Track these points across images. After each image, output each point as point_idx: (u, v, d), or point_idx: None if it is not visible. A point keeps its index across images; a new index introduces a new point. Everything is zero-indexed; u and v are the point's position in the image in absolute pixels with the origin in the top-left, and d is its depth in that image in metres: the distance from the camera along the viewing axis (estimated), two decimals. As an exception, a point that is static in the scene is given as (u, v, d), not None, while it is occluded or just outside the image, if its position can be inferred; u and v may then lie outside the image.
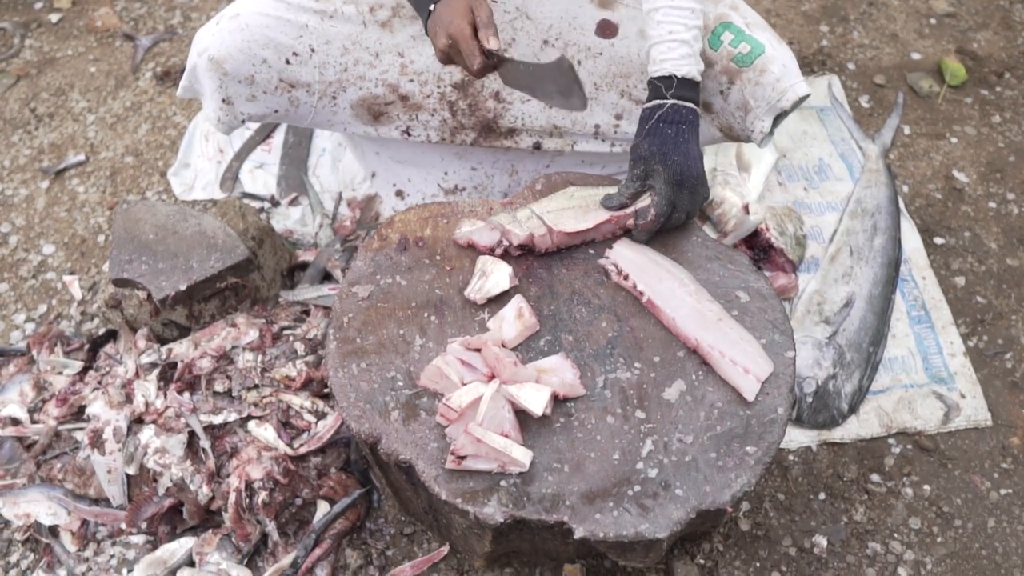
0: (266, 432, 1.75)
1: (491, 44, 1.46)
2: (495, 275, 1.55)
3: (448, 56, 1.52)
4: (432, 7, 1.53)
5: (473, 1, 1.50)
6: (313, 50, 1.74)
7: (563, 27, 1.75)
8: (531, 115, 1.82)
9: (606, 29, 1.75)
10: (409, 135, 1.87)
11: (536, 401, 1.37)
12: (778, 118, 1.65)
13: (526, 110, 1.81)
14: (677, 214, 1.57)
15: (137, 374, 1.86)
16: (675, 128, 1.52)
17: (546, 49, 1.76)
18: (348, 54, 1.76)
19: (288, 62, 1.74)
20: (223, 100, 1.78)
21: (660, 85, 1.54)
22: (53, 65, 2.80)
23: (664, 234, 1.63)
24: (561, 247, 1.61)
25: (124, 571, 1.72)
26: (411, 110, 1.82)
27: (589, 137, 1.84)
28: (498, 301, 1.55)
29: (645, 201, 1.57)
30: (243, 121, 1.83)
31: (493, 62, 1.49)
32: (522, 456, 1.35)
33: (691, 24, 1.55)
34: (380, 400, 1.44)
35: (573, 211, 1.61)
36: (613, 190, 1.61)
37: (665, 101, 1.53)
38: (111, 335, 1.99)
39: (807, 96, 1.62)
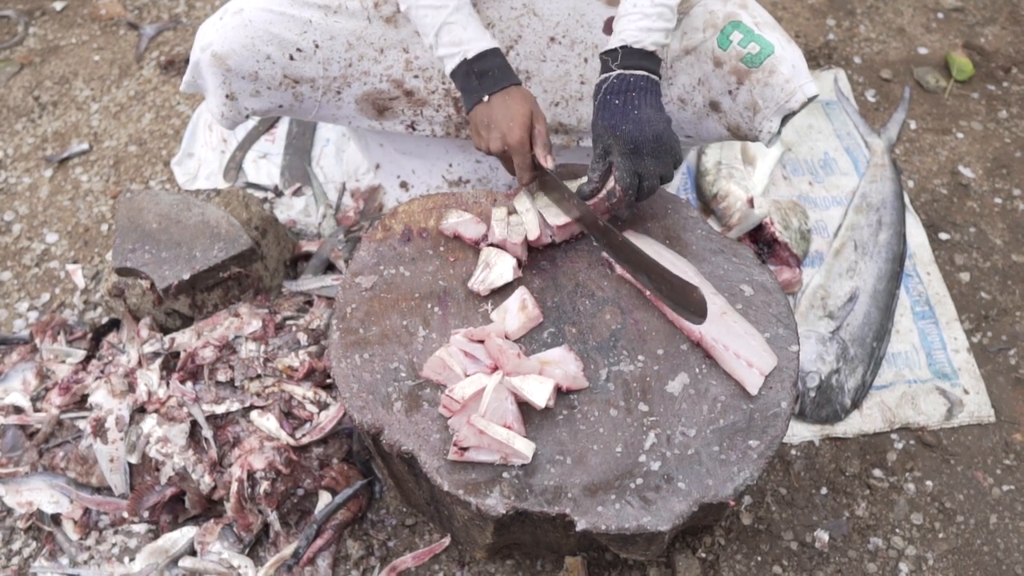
0: (268, 422, 1.75)
1: (548, 164, 1.53)
2: (499, 266, 1.55)
3: (491, 151, 1.55)
4: (486, 98, 1.52)
5: (535, 111, 1.53)
6: (317, 46, 1.73)
7: (570, 24, 1.74)
8: None
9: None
10: (414, 129, 1.86)
11: (539, 393, 1.37)
12: (786, 118, 1.64)
13: None
14: (648, 181, 1.50)
15: (140, 363, 1.86)
16: (622, 97, 1.48)
17: (553, 46, 1.75)
18: (352, 50, 1.75)
19: (292, 58, 1.74)
20: (227, 96, 1.77)
21: (607, 59, 1.51)
22: (57, 53, 2.80)
23: (668, 227, 1.63)
24: (556, 240, 1.61)
25: (126, 560, 1.73)
26: (416, 105, 1.82)
27: None
28: (502, 292, 1.55)
29: (612, 183, 1.55)
30: (247, 116, 1.83)
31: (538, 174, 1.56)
32: (524, 448, 1.35)
33: (657, 0, 1.50)
34: (383, 391, 1.44)
35: (562, 205, 1.60)
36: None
37: (610, 73, 1.50)
38: (114, 324, 1.99)
39: (816, 96, 1.61)
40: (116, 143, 2.53)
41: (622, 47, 1.49)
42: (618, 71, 1.49)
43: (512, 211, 1.62)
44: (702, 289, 1.40)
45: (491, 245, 1.59)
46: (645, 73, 1.49)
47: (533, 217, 1.58)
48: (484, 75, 1.53)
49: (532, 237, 1.56)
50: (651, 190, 1.52)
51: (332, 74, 1.77)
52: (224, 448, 1.75)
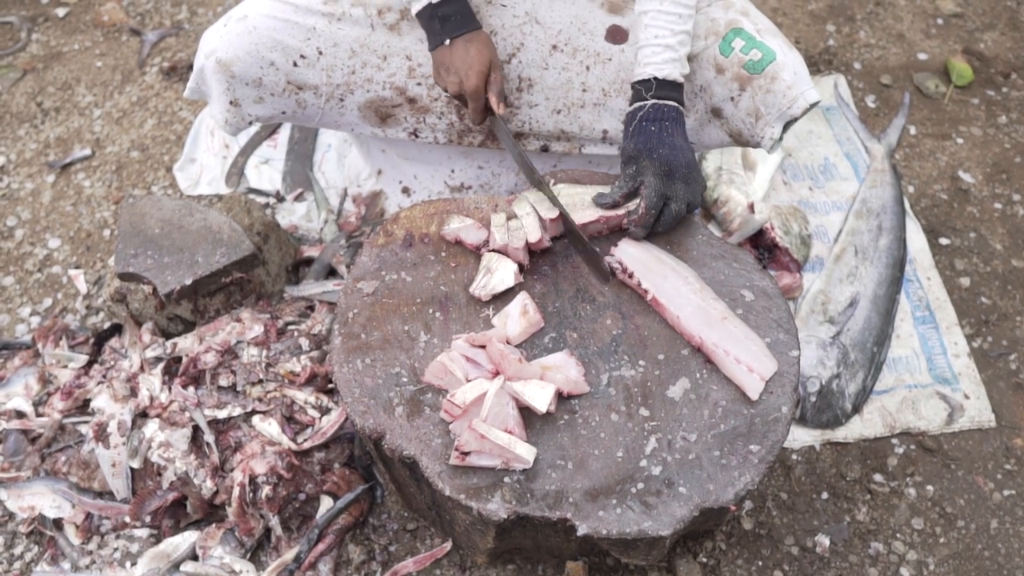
0: (270, 427, 1.75)
1: (500, 111, 1.63)
2: (500, 271, 1.55)
3: (447, 92, 1.65)
4: (447, 41, 1.61)
5: (493, 59, 1.62)
6: (321, 53, 1.74)
7: (572, 32, 1.74)
8: (539, 120, 1.81)
9: (616, 35, 1.75)
10: (417, 137, 1.87)
11: (540, 398, 1.38)
12: (788, 124, 1.65)
13: (534, 115, 1.81)
14: (675, 205, 1.57)
15: (142, 368, 1.86)
16: (658, 125, 1.56)
17: (555, 54, 1.75)
18: (356, 57, 1.76)
19: (296, 65, 1.74)
20: (230, 102, 1.78)
21: (640, 88, 1.59)
22: (59, 59, 2.81)
23: (669, 232, 1.63)
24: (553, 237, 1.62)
25: (128, 564, 1.73)
26: (419, 112, 1.82)
27: (597, 141, 1.84)
28: (503, 298, 1.55)
29: (637, 200, 1.59)
30: (250, 123, 1.83)
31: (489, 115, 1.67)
32: (526, 453, 1.35)
33: (677, 29, 1.59)
34: (384, 396, 1.44)
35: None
36: (607, 189, 1.62)
37: (645, 102, 1.58)
38: (116, 329, 2.00)
39: (817, 103, 1.62)
40: (118, 149, 2.54)
41: (655, 79, 1.58)
42: (652, 100, 1.57)
43: (511, 216, 1.62)
44: (702, 294, 1.40)
45: (492, 251, 1.60)
46: (676, 104, 1.58)
47: (533, 220, 1.59)
48: (447, 19, 1.61)
49: (533, 240, 1.57)
50: (677, 215, 1.58)
51: (335, 81, 1.78)
52: (226, 453, 1.75)
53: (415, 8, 1.63)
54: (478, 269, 1.59)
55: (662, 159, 1.55)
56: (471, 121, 1.68)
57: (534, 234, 1.58)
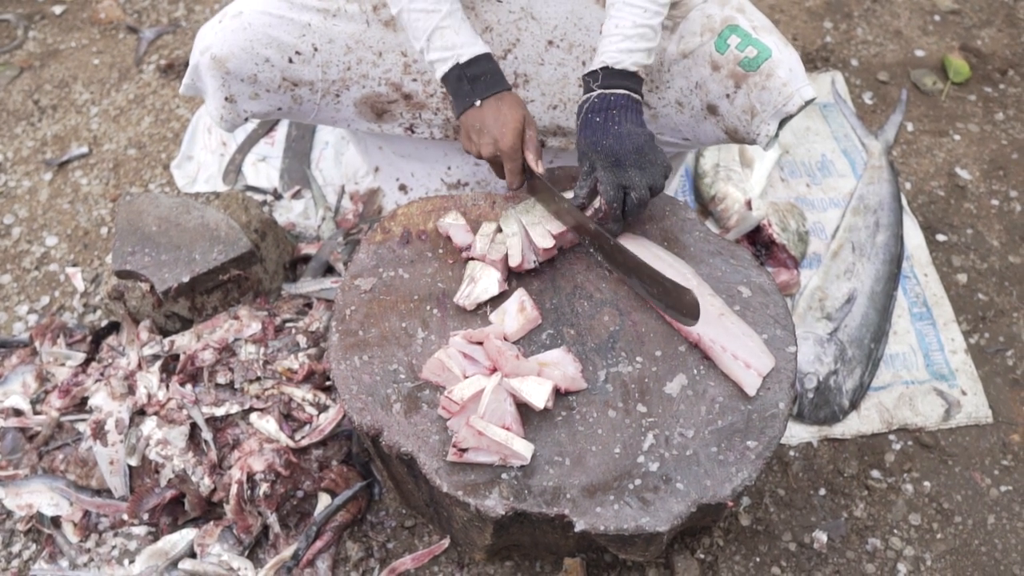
0: (268, 424, 1.75)
1: (539, 169, 1.55)
2: (484, 280, 1.54)
3: (482, 156, 1.57)
4: (478, 103, 1.54)
5: (527, 116, 1.55)
6: (316, 49, 1.74)
7: (568, 28, 1.74)
8: (535, 115, 1.81)
9: None
10: (413, 132, 1.87)
11: (538, 394, 1.38)
12: (783, 121, 1.65)
13: (530, 111, 1.81)
14: (635, 193, 1.51)
15: (139, 366, 1.86)
16: (603, 115, 1.51)
17: (551, 50, 1.75)
18: (351, 53, 1.76)
19: (291, 61, 1.74)
20: (226, 98, 1.78)
21: (588, 80, 1.55)
22: (56, 57, 2.81)
23: (666, 228, 1.63)
24: (540, 263, 1.60)
25: (126, 562, 1.73)
26: (414, 108, 1.82)
27: None
28: (499, 295, 1.55)
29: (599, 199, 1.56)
30: (246, 119, 1.83)
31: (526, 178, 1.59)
32: (523, 449, 1.35)
33: (639, 22, 1.53)
34: (382, 393, 1.44)
35: (553, 208, 1.59)
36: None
37: (591, 93, 1.53)
38: (114, 327, 1.99)
39: (813, 100, 1.62)
40: (116, 146, 2.54)
41: (603, 68, 1.52)
42: (599, 91, 1.52)
43: (500, 229, 1.61)
44: (699, 290, 1.40)
45: (472, 259, 1.59)
46: (626, 92, 1.52)
47: (517, 243, 1.56)
48: (476, 80, 1.54)
49: (514, 264, 1.55)
50: (641, 202, 1.53)
51: (331, 77, 1.78)
52: (224, 450, 1.75)
53: (440, 71, 1.55)
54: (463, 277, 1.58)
55: (607, 150, 1.50)
56: (508, 186, 1.59)
57: (515, 258, 1.55)
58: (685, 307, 1.42)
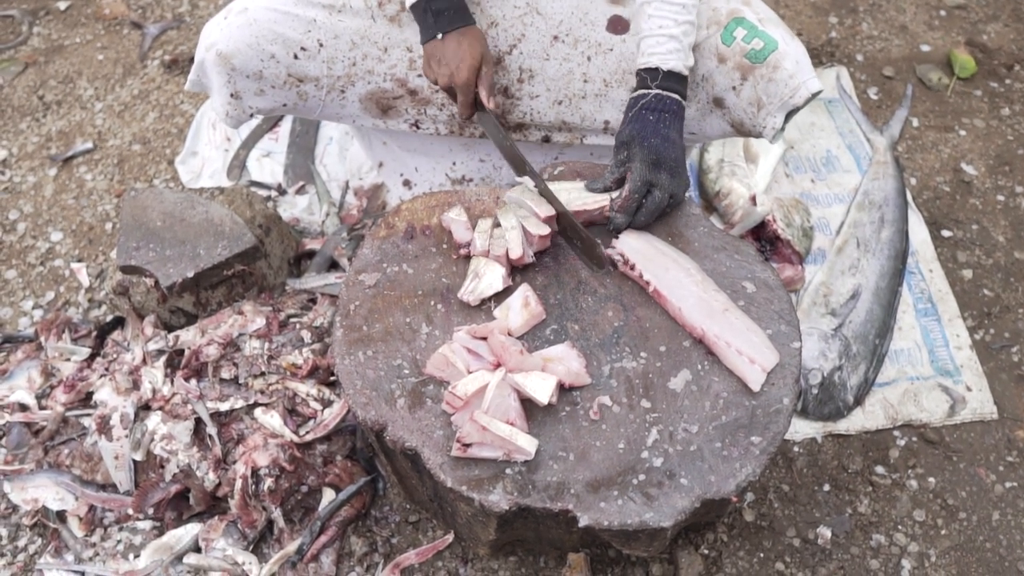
0: (272, 419, 1.76)
1: (490, 105, 1.63)
2: (488, 276, 1.54)
3: (438, 84, 1.65)
4: (440, 35, 1.61)
5: (485, 53, 1.62)
6: (321, 45, 1.74)
7: (573, 23, 1.74)
8: (540, 111, 1.81)
9: (617, 25, 1.74)
10: (418, 128, 1.87)
11: (542, 390, 1.38)
12: (790, 114, 1.64)
13: (535, 106, 1.81)
14: (659, 192, 1.56)
15: (144, 361, 1.86)
16: (657, 115, 1.56)
17: (556, 45, 1.75)
18: (356, 49, 1.76)
19: (296, 57, 1.74)
20: (231, 95, 1.78)
21: (646, 76, 1.59)
22: (61, 53, 2.81)
23: (670, 224, 1.63)
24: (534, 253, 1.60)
25: (131, 556, 1.74)
26: (420, 104, 1.82)
27: (598, 132, 1.84)
28: (503, 291, 1.55)
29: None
30: (251, 115, 1.83)
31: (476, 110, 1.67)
32: (527, 444, 1.35)
33: (681, 19, 1.58)
34: (386, 388, 1.44)
35: (540, 205, 1.59)
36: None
37: (649, 91, 1.58)
38: (118, 322, 2.00)
39: (820, 92, 1.62)
40: (120, 142, 2.54)
41: (663, 70, 1.58)
42: (656, 90, 1.58)
43: (497, 224, 1.61)
44: (703, 286, 1.40)
45: (473, 255, 1.59)
46: (678, 98, 1.59)
47: (516, 235, 1.56)
48: (440, 14, 1.61)
49: (515, 256, 1.55)
50: (659, 203, 1.57)
51: (336, 73, 1.77)
52: (228, 445, 1.76)
53: (409, 1, 1.63)
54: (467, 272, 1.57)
55: (652, 147, 1.55)
56: (459, 115, 1.68)
57: (516, 250, 1.55)
58: (595, 257, 1.57)
